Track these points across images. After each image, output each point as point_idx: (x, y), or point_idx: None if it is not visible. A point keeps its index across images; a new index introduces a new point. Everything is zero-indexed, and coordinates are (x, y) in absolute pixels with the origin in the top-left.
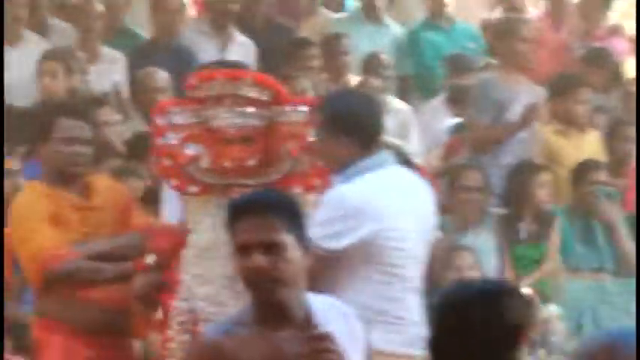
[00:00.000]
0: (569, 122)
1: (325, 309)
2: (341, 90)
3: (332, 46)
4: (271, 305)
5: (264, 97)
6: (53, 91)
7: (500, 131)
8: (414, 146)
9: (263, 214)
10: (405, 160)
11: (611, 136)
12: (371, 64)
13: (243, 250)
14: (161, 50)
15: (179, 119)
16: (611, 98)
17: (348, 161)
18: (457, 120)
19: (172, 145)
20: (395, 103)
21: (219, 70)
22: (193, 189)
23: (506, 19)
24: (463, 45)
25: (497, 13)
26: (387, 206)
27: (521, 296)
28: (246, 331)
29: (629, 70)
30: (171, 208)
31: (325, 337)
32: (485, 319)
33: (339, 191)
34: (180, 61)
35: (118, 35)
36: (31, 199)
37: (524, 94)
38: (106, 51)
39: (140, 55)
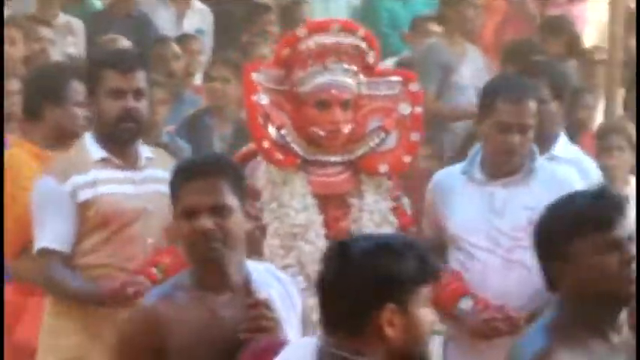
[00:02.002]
0: None
1: (263, 275)
2: None
3: (290, 12)
4: (212, 269)
5: (370, 59)
6: (11, 58)
7: (450, 113)
8: None
9: (210, 177)
10: None
11: (569, 103)
12: None
13: (189, 213)
14: (119, 17)
15: (267, 81)
16: (568, 66)
17: None
18: None
19: (264, 105)
20: None
21: (332, 19)
22: (279, 157)
23: None
24: (419, 12)
25: None
26: None
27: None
28: (185, 296)
29: (588, 39)
30: (55, 224)
31: (263, 304)
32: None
33: None
34: (139, 29)
35: (75, 2)
36: (22, 159)
37: (471, 59)
38: (64, 18)
39: (98, 23)
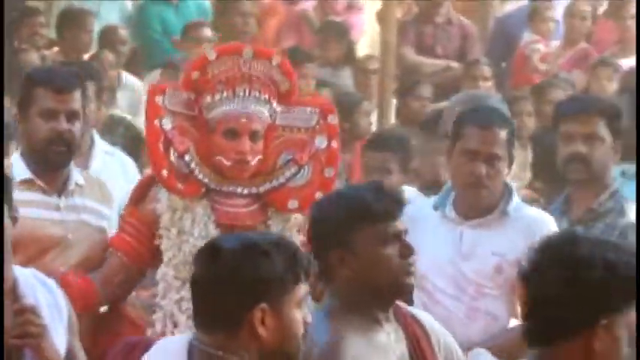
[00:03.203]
0: None
1: (29, 281)
2: None
3: (64, 16)
4: None
5: (284, 88)
6: None
7: None
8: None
9: None
10: (135, 136)
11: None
12: (108, 39)
13: None
14: None
15: (173, 104)
16: (342, 74)
17: None
18: None
19: (167, 130)
20: (127, 77)
21: (244, 44)
22: (180, 186)
23: None
24: (191, 18)
25: None
26: None
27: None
28: None
29: (363, 47)
30: None
31: (29, 310)
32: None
33: None
34: None
35: None
36: None
37: None
38: None
39: None
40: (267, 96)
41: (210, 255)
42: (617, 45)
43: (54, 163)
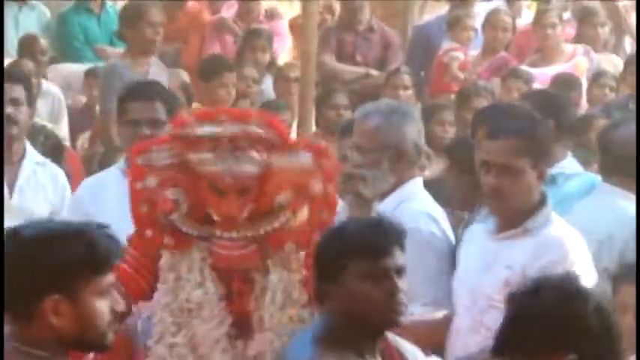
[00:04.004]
0: (213, 105)
1: None
2: None
3: None
4: None
5: (269, 138)
6: None
7: None
8: (64, 130)
9: None
10: (55, 145)
11: None
12: (27, 47)
13: None
14: None
15: (157, 160)
16: (264, 82)
17: None
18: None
19: (151, 189)
20: (47, 86)
21: (222, 108)
22: (170, 241)
23: (135, 4)
24: (113, 29)
25: None
26: None
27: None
28: None
29: (286, 56)
30: None
31: None
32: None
33: None
34: None
35: None
36: None
37: (154, 75)
38: None
39: None
40: (254, 153)
41: (9, 241)
42: (537, 53)
43: None
